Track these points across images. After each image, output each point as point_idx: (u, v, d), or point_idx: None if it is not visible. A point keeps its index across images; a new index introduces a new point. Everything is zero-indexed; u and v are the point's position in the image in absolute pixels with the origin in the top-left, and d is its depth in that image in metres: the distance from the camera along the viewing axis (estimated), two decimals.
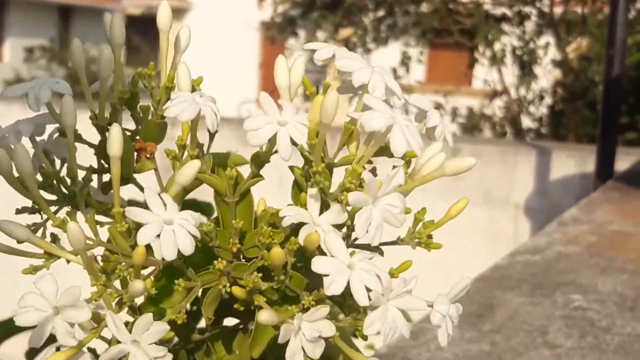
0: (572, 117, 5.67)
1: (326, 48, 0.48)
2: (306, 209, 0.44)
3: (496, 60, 5.76)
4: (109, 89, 0.50)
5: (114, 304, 0.44)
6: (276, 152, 0.45)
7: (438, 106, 6.41)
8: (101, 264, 0.44)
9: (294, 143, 0.45)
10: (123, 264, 0.44)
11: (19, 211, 0.48)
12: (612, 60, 2.58)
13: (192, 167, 0.45)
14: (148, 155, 0.49)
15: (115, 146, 0.45)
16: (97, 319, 0.44)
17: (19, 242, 0.45)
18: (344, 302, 0.45)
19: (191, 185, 0.46)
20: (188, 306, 0.45)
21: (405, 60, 6.28)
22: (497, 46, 5.78)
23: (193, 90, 0.48)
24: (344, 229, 0.45)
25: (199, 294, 0.46)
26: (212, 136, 0.48)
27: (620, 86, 2.64)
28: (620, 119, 3.68)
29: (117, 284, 0.44)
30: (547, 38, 5.91)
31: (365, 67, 0.47)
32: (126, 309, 0.44)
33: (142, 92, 0.51)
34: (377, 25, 6.41)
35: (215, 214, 0.49)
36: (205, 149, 0.48)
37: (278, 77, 0.49)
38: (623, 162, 3.00)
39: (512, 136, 5.93)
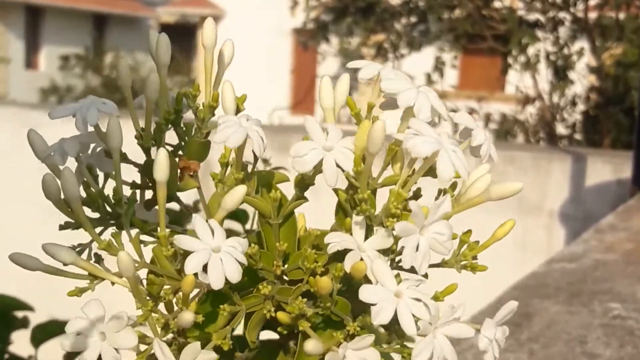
0: (606, 123, 5.61)
1: (370, 66, 0.48)
2: (351, 234, 0.44)
3: (530, 66, 5.72)
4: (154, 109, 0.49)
5: (159, 328, 0.43)
6: (320, 172, 0.45)
7: (471, 111, 6.38)
8: (146, 286, 0.44)
9: (339, 166, 0.44)
10: (168, 286, 0.43)
11: (62, 227, 0.48)
12: None
13: (239, 193, 0.44)
14: (191, 174, 0.49)
15: (161, 171, 0.44)
16: (142, 341, 0.44)
17: (64, 265, 0.45)
18: (391, 328, 0.45)
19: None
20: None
21: (439, 66, 6.26)
22: (530, 51, 5.74)
23: (237, 109, 0.48)
24: (390, 253, 0.45)
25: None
26: (256, 158, 0.47)
27: None
28: None
29: (161, 306, 0.44)
30: (582, 43, 5.86)
31: (411, 89, 0.46)
32: (170, 334, 0.44)
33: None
34: (410, 30, 6.40)
35: (249, 220, 0.48)
36: (249, 169, 0.48)
37: (323, 97, 0.48)
38: None
39: (546, 142, 5.89)
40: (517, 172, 3.32)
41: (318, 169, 0.45)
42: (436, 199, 0.45)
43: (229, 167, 0.47)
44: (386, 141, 0.44)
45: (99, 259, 0.46)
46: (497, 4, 6.13)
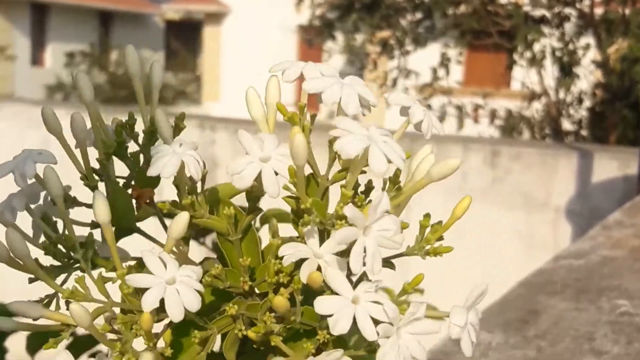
0: (612, 119, 5.60)
1: (294, 67, 0.46)
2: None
3: (535, 62, 5.71)
4: (89, 148, 0.49)
5: None
6: None
7: (477, 107, 6.37)
8: (120, 323, 0.44)
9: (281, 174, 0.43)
10: (139, 322, 0.43)
11: (31, 280, 0.47)
12: None
13: (181, 221, 0.43)
14: (147, 201, 0.48)
15: (102, 213, 0.44)
16: None
17: (34, 320, 0.45)
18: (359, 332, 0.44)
19: (190, 229, 0.45)
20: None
21: (444, 62, 6.26)
22: (536, 47, 5.73)
23: (179, 128, 0.47)
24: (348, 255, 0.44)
25: (219, 336, 0.45)
26: (203, 180, 0.46)
27: None
28: None
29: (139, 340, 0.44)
30: (587, 39, 5.85)
31: (335, 84, 0.45)
32: None
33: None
34: (415, 27, 6.39)
35: None
36: (199, 189, 0.46)
37: (251, 109, 0.47)
38: None
39: (552, 139, 5.88)
40: (523, 168, 3.31)
41: (260, 181, 0.44)
42: (383, 189, 0.44)
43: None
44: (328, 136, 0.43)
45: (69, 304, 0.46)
46: (502, 0, 6.12)
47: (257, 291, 0.45)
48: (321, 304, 0.40)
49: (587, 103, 6.02)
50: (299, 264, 0.43)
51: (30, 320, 0.45)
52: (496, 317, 1.14)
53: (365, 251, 0.41)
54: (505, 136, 5.98)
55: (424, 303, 0.43)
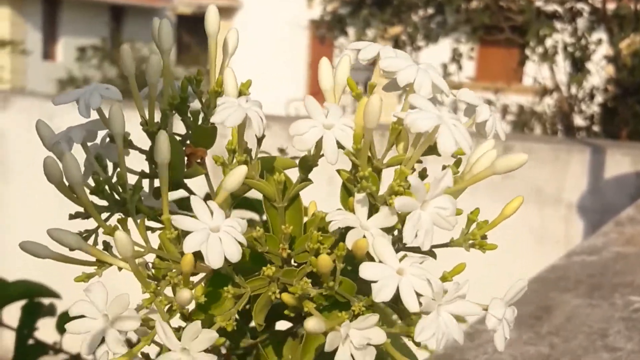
0: (624, 115, 5.57)
1: (370, 47, 0.47)
2: (354, 212, 0.43)
3: (547, 57, 5.69)
4: (158, 95, 0.50)
5: (164, 311, 0.43)
6: (323, 155, 0.44)
7: (488, 103, 6.35)
8: (152, 270, 0.44)
9: (340, 146, 0.44)
10: (174, 270, 0.43)
11: (72, 216, 0.48)
12: None
13: (239, 174, 0.44)
14: (198, 160, 0.49)
15: (162, 153, 0.44)
16: (150, 326, 0.44)
17: (71, 249, 0.45)
18: (397, 307, 0.44)
19: (240, 190, 0.45)
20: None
21: (456, 57, 6.24)
22: (548, 43, 5.71)
23: (240, 94, 0.48)
24: (395, 232, 0.44)
25: (250, 299, 0.45)
26: (259, 140, 0.47)
27: None
28: None
29: (169, 290, 0.44)
30: (599, 34, 5.82)
31: (410, 66, 0.46)
32: (178, 315, 0.44)
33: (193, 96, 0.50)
34: (427, 22, 6.38)
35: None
36: (253, 153, 0.48)
37: (322, 79, 0.48)
38: None
39: (563, 134, 5.85)
40: (535, 163, 3.30)
41: (320, 147, 0.44)
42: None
43: (235, 154, 0.47)
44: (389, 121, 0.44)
45: (107, 247, 0.46)
46: None
47: (293, 261, 0.45)
48: (367, 270, 0.41)
49: (599, 99, 5.99)
50: (338, 239, 0.43)
51: (65, 252, 0.45)
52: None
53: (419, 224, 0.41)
54: (517, 131, 5.96)
55: (467, 281, 0.43)
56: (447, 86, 0.46)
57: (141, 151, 0.49)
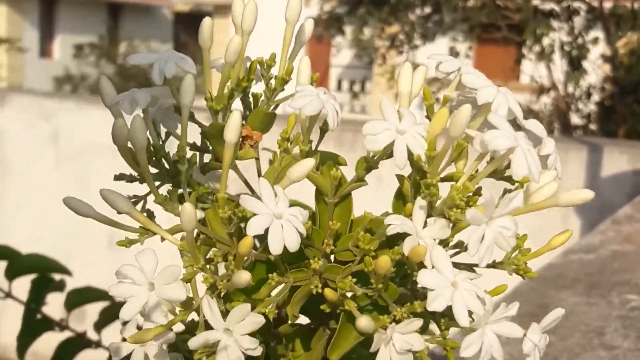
0: (621, 113, 5.58)
1: (452, 61, 0.48)
2: (411, 219, 0.44)
3: (544, 56, 5.69)
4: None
5: (205, 288, 0.43)
6: (386, 157, 0.45)
7: None
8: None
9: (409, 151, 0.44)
10: (217, 249, 0.43)
11: (117, 177, 0.48)
12: None
13: (307, 165, 0.44)
14: (252, 144, 0.49)
15: (232, 132, 0.44)
16: (185, 302, 0.43)
17: (119, 213, 0.45)
18: (434, 319, 0.45)
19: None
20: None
21: (453, 56, 6.23)
22: (545, 41, 5.71)
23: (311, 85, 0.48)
24: (444, 246, 0.44)
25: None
26: (322, 134, 0.48)
27: None
28: None
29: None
30: (596, 33, 5.83)
31: (491, 86, 0.46)
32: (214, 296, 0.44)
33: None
34: (424, 21, 6.38)
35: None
36: (313, 145, 0.48)
37: (401, 83, 0.48)
38: None
39: (560, 133, 5.86)
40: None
41: (387, 150, 0.45)
42: (500, 198, 0.44)
43: (290, 143, 0.47)
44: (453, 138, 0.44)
45: (151, 216, 0.46)
46: None
47: (333, 258, 0.45)
48: (426, 277, 0.41)
49: (596, 97, 6.00)
50: (383, 245, 0.43)
51: (112, 216, 0.45)
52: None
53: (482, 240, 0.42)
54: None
55: (516, 304, 0.44)
56: (521, 113, 0.47)
57: (200, 125, 0.49)
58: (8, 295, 1.18)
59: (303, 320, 0.49)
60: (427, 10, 6.41)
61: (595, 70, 5.90)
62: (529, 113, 6.12)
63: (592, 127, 5.94)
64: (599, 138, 5.03)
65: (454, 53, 6.28)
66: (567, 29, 5.84)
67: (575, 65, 5.75)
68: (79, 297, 1.17)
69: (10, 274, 1.15)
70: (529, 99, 6.24)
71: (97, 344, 1.17)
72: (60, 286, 1.16)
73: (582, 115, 5.98)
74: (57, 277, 1.18)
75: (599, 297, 1.27)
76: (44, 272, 1.16)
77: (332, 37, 7.02)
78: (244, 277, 0.41)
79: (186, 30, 14.62)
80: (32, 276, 1.16)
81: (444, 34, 6.40)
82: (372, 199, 0.51)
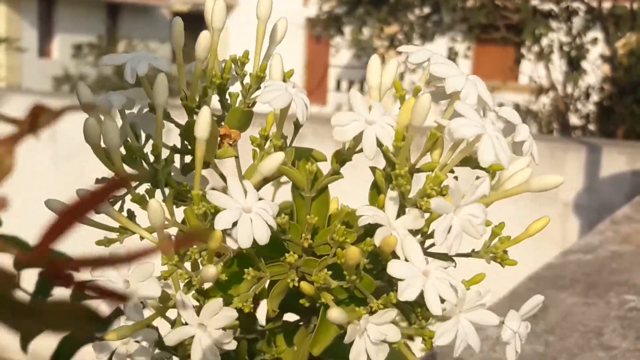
0: (620, 114, 5.58)
1: (421, 52, 0.48)
2: (384, 211, 0.44)
3: (543, 56, 5.69)
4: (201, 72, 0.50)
5: (182, 285, 0.44)
6: (359, 151, 0.45)
7: None
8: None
9: (378, 144, 0.44)
10: (195, 246, 0.43)
11: (98, 180, 0.48)
12: None
13: (276, 159, 0.45)
14: (231, 142, 0.49)
15: (202, 128, 0.45)
16: (164, 299, 0.44)
17: (97, 213, 0.45)
18: (411, 309, 0.44)
19: (270, 176, 0.46)
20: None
21: (452, 56, 6.24)
22: (544, 42, 5.71)
23: (284, 81, 0.49)
24: (418, 236, 0.45)
25: (265, 285, 0.46)
26: (296, 129, 0.48)
27: None
28: None
29: (187, 265, 0.44)
30: (595, 33, 5.83)
31: (460, 75, 0.46)
32: (192, 291, 0.44)
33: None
34: (423, 21, 6.38)
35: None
36: (288, 141, 0.49)
37: (370, 75, 0.49)
38: None
39: (559, 133, 5.86)
40: (530, 162, 3.30)
41: (356, 143, 0.45)
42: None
43: (269, 140, 0.48)
44: (427, 129, 0.44)
45: (131, 216, 0.47)
46: None
47: (313, 252, 0.46)
48: (395, 267, 0.41)
49: (595, 97, 6.00)
50: (362, 235, 0.43)
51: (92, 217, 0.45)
52: (505, 311, 1.13)
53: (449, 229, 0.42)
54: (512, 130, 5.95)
55: (489, 291, 0.44)
56: (492, 100, 0.47)
57: (177, 125, 0.50)
58: (16, 286, 1.18)
59: (291, 318, 0.49)
60: (426, 10, 6.41)
61: (594, 71, 5.90)
62: (527, 113, 6.13)
63: (591, 127, 5.94)
64: (598, 138, 5.03)
65: (452, 53, 6.28)
66: (565, 29, 5.84)
67: (574, 66, 5.75)
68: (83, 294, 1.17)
69: (19, 265, 1.15)
70: (527, 99, 6.25)
71: (101, 340, 1.17)
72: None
73: (580, 116, 5.99)
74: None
75: (598, 298, 1.27)
76: None
77: (331, 37, 7.02)
78: (211, 271, 0.42)
79: (185, 29, 14.59)
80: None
81: (442, 34, 6.40)
82: (361, 191, 0.51)
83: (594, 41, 5.78)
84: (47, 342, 1.17)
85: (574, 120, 5.97)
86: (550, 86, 5.90)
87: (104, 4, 14.57)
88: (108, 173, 0.49)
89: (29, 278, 1.16)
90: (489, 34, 6.45)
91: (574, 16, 5.84)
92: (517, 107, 6.16)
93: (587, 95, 5.92)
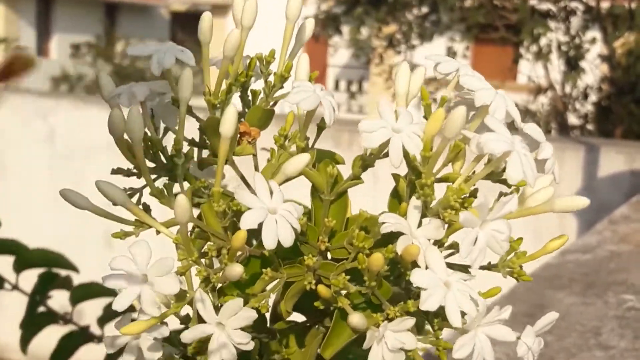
0: (619, 113, 5.59)
1: (450, 62, 0.47)
2: (405, 219, 0.43)
3: (541, 56, 5.70)
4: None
5: (199, 282, 0.43)
6: (383, 157, 0.45)
7: None
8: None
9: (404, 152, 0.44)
10: (211, 243, 0.43)
11: (114, 171, 0.48)
12: None
13: (302, 160, 0.44)
14: (250, 140, 0.49)
15: (228, 126, 0.44)
16: (179, 295, 0.43)
17: (114, 204, 0.45)
18: (425, 319, 0.44)
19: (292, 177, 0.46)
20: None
21: (450, 56, 6.23)
22: (542, 41, 5.71)
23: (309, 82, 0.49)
24: (438, 246, 0.44)
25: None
26: (319, 131, 0.48)
27: None
28: None
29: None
30: (594, 33, 5.83)
31: (489, 88, 0.46)
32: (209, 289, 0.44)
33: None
34: (421, 21, 6.38)
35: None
36: (310, 143, 0.48)
37: (399, 83, 0.48)
38: None
39: (557, 133, 5.86)
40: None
41: (380, 149, 0.45)
42: (496, 201, 0.44)
43: (288, 140, 0.47)
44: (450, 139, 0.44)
45: (147, 209, 0.46)
46: None
47: (329, 255, 0.45)
48: (419, 276, 0.41)
49: (593, 97, 6.00)
50: (378, 243, 0.43)
51: (108, 208, 0.45)
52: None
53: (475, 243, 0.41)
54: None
55: (509, 307, 0.43)
56: (519, 116, 0.46)
57: (198, 119, 0.49)
58: (15, 287, 1.19)
59: (300, 318, 0.49)
60: (425, 10, 6.41)
61: (593, 71, 5.91)
62: (526, 113, 6.13)
63: (589, 127, 5.94)
64: (596, 138, 5.03)
65: (451, 53, 6.28)
66: (564, 29, 5.84)
67: (573, 66, 5.75)
68: (85, 292, 1.17)
69: (18, 267, 1.16)
70: (526, 99, 6.25)
71: (100, 339, 1.18)
72: (66, 282, 1.17)
73: (579, 116, 5.99)
74: (63, 272, 1.18)
75: (596, 297, 1.27)
76: (51, 267, 1.17)
77: (330, 36, 7.02)
78: (236, 270, 0.41)
79: (183, 29, 14.61)
80: (39, 270, 1.17)
81: (441, 33, 6.40)
82: (370, 197, 0.51)
83: (592, 41, 5.78)
84: (47, 342, 1.17)
85: (573, 119, 5.97)
86: (549, 86, 5.91)
87: (102, 3, 14.56)
88: (108, 171, 0.49)
89: (29, 278, 1.16)
90: (487, 34, 6.45)
91: (572, 16, 5.84)
92: (515, 106, 6.16)
93: (586, 95, 5.92)
